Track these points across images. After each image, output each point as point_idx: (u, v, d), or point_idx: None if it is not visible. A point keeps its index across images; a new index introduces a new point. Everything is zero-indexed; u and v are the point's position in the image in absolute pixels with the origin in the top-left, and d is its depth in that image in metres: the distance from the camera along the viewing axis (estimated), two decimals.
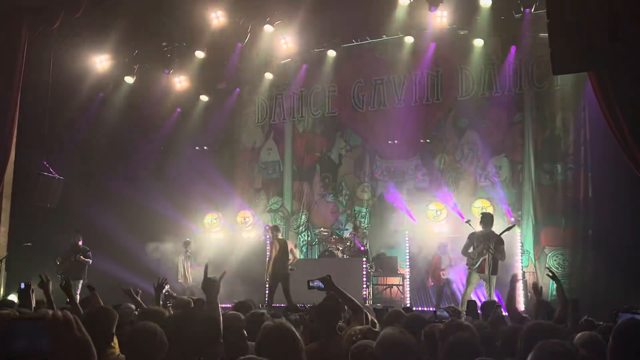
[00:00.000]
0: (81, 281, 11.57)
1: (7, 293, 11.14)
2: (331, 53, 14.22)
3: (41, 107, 12.68)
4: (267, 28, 13.40)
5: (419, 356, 3.05)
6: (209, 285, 3.25)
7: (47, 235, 12.70)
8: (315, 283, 4.60)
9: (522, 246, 11.60)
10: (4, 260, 11.06)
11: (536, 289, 6.42)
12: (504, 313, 6.11)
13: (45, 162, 12.44)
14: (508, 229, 9.80)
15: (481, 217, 9.98)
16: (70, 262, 11.58)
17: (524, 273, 11.49)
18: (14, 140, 11.50)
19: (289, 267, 11.18)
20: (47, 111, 12.95)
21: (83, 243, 11.93)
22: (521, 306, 10.38)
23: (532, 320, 3.87)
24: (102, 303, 5.39)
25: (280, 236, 11.69)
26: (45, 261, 12.05)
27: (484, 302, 6.88)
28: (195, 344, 2.25)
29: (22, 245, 11.54)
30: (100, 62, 14.00)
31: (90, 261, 11.76)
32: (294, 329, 2.88)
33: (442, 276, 11.35)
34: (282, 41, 13.75)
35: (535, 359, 2.58)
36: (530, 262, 12.08)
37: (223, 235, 14.05)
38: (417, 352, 2.98)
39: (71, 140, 13.99)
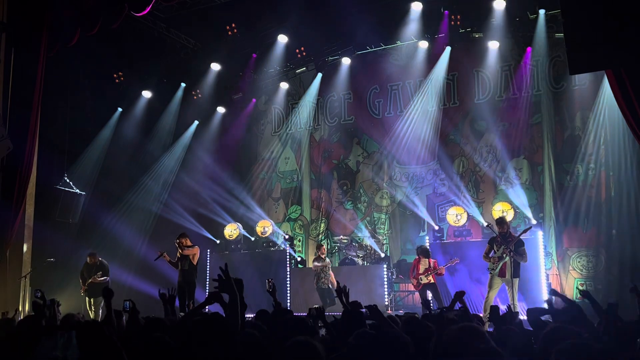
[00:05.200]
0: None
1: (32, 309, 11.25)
2: (346, 60, 14.25)
3: (61, 124, 12.86)
4: (282, 38, 13.47)
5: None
6: (229, 285, 3.16)
7: (70, 251, 12.84)
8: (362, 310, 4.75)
9: (544, 248, 11.45)
10: (28, 277, 11.18)
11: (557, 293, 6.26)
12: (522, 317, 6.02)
13: (66, 178, 12.61)
14: (525, 230, 9.70)
15: (496, 222, 9.90)
16: (91, 284, 11.56)
17: (547, 275, 11.33)
18: (36, 157, 11.66)
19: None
20: (66, 127, 13.14)
21: (103, 258, 11.88)
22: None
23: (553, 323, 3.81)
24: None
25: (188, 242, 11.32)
26: (68, 276, 12.19)
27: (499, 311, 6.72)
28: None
29: (45, 261, 11.65)
30: (118, 77, 14.18)
31: (107, 278, 11.64)
32: (317, 345, 2.86)
33: (420, 281, 10.97)
34: (296, 50, 13.79)
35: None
36: (553, 264, 11.93)
37: (243, 246, 14.07)
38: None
39: (91, 155, 14.17)
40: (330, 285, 11.45)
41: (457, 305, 5.42)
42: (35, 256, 11.73)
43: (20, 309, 10.75)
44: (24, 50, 11.27)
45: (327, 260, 11.95)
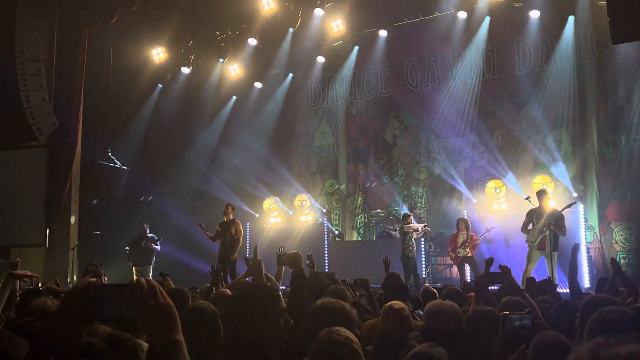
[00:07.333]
0: (150, 267, 12.05)
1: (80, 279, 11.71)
2: (383, 33, 14.10)
3: (103, 100, 13.17)
4: (318, 12, 13.43)
5: None
6: (255, 264, 3.29)
7: (114, 223, 13.23)
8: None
9: (585, 221, 11.27)
10: (75, 249, 11.61)
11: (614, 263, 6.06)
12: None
13: (109, 153, 12.95)
14: (569, 205, 9.52)
15: (537, 194, 9.78)
16: (140, 250, 12.03)
17: (588, 249, 11.16)
18: (80, 133, 12.01)
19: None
20: (109, 104, 13.44)
21: (150, 231, 12.36)
22: (586, 282, 10.14)
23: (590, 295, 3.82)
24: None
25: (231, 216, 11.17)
26: (113, 248, 12.60)
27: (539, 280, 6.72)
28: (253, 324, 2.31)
29: (92, 233, 12.06)
30: (157, 54, 14.41)
31: (159, 248, 12.18)
32: (345, 305, 2.92)
33: (458, 254, 10.90)
34: (333, 24, 13.73)
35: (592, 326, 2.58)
36: (595, 237, 11.75)
37: (281, 219, 14.26)
38: None
39: (133, 131, 14.49)
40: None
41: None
42: (81, 229, 12.15)
43: (68, 280, 11.19)
44: (66, 30, 11.54)
45: (416, 225, 11.37)
